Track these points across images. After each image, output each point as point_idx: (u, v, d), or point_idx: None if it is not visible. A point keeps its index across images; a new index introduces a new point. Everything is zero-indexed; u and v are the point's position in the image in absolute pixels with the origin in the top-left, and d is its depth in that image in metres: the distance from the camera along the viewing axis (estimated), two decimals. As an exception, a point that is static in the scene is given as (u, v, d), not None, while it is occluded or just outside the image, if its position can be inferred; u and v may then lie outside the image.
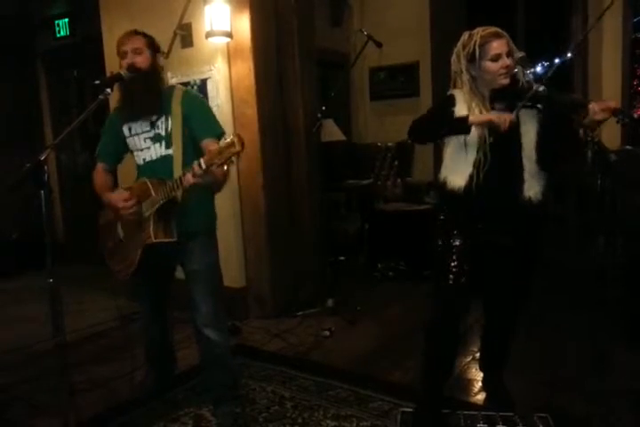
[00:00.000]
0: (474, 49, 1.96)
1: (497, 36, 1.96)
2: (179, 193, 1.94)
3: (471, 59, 1.99)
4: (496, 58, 1.95)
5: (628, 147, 4.05)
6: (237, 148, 1.67)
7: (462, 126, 1.96)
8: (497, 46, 1.95)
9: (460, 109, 2.03)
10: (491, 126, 1.94)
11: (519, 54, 1.97)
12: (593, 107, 1.78)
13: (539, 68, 2.05)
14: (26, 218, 4.94)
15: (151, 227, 1.99)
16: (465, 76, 2.03)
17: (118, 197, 2.07)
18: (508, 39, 1.97)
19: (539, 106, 1.96)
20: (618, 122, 1.78)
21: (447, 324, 2.15)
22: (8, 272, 4.82)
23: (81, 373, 2.71)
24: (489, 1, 4.86)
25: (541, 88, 1.92)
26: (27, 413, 2.44)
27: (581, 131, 1.96)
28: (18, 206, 4.97)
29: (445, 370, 2.25)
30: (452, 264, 2.08)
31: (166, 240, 2.00)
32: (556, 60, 2.02)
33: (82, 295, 4.08)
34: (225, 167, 1.74)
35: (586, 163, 2.09)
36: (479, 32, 1.98)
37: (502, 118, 1.89)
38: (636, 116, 4.20)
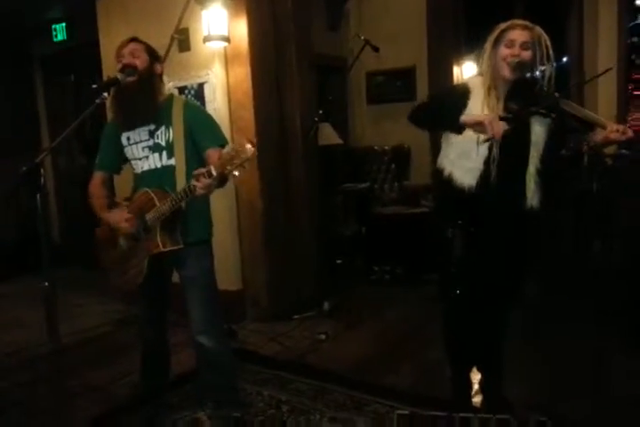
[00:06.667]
0: (497, 33, 1.99)
1: (523, 27, 1.96)
2: (183, 203, 1.94)
3: (494, 44, 2.00)
4: (509, 44, 1.96)
5: (623, 151, 4.07)
6: (249, 153, 1.66)
7: (455, 125, 1.95)
8: (515, 34, 1.95)
9: (475, 105, 2.02)
10: (481, 131, 1.88)
11: (515, 59, 1.97)
12: (611, 125, 1.81)
13: (537, 73, 2.05)
14: (22, 221, 4.94)
15: (158, 236, 1.99)
16: (486, 63, 2.03)
17: (119, 218, 2.07)
18: (535, 35, 1.95)
19: (553, 115, 1.95)
20: (619, 148, 1.82)
21: (457, 325, 2.23)
22: (4, 275, 4.81)
23: (76, 377, 2.70)
24: (486, 6, 4.88)
25: (558, 97, 1.92)
26: (23, 417, 2.42)
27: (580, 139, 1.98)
28: (14, 210, 4.97)
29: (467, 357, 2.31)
30: (455, 272, 2.10)
31: (174, 248, 2.01)
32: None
33: (78, 299, 4.07)
34: (237, 173, 1.70)
35: (582, 167, 2.10)
36: (513, 20, 1.99)
37: (495, 124, 1.84)
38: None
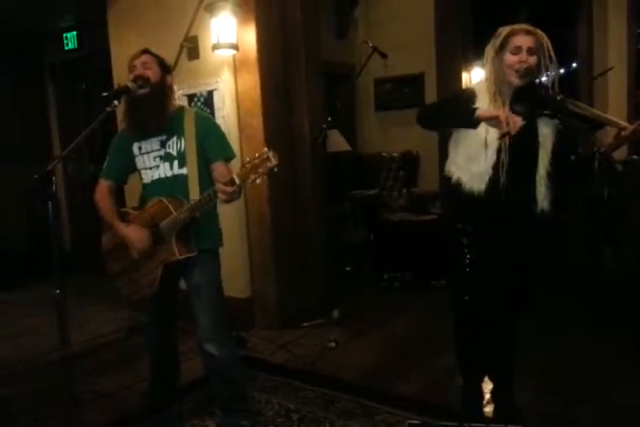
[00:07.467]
0: (501, 39, 1.97)
1: (526, 32, 1.95)
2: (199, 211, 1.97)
3: (498, 50, 1.99)
4: (516, 51, 1.94)
5: (634, 157, 4.04)
6: (274, 162, 1.68)
7: (469, 119, 1.94)
8: (520, 40, 1.94)
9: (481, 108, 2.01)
10: (496, 125, 1.88)
11: (524, 66, 1.96)
12: (626, 126, 1.81)
13: (544, 78, 2.04)
14: (32, 228, 4.96)
15: (174, 244, 2.01)
16: (488, 68, 2.03)
17: (138, 238, 2.07)
18: (538, 39, 1.94)
19: (559, 116, 1.95)
20: (629, 154, 1.82)
21: (469, 332, 2.21)
22: (15, 283, 4.83)
23: (86, 384, 2.70)
24: (494, 13, 4.89)
25: (564, 98, 1.91)
26: (32, 424, 2.42)
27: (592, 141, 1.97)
28: (24, 217, 5.00)
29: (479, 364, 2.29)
30: (470, 282, 2.09)
31: (190, 255, 2.03)
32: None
33: (88, 306, 4.08)
34: (258, 181, 1.74)
35: (592, 173, 2.10)
36: (514, 26, 1.98)
37: (511, 119, 1.83)
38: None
